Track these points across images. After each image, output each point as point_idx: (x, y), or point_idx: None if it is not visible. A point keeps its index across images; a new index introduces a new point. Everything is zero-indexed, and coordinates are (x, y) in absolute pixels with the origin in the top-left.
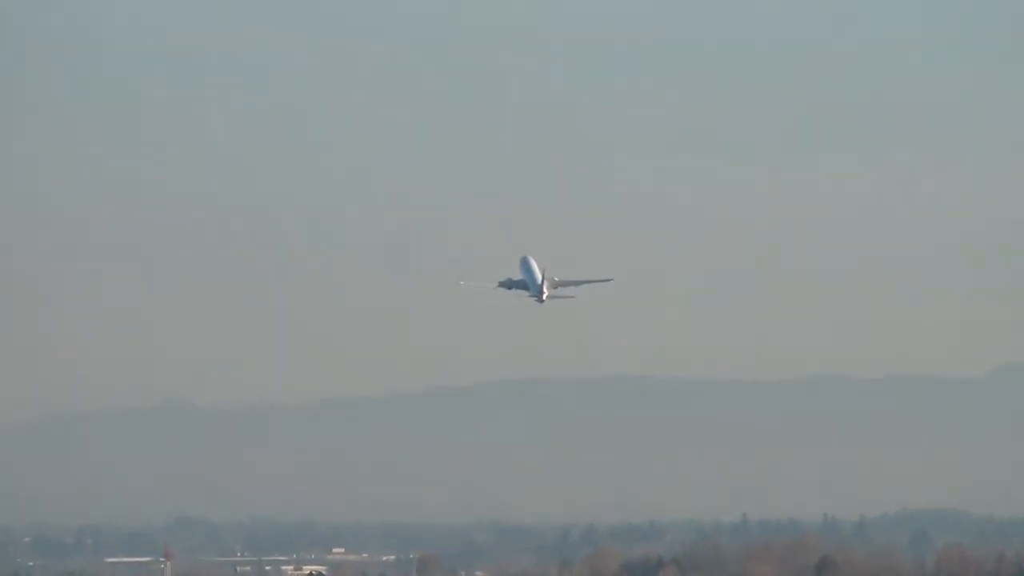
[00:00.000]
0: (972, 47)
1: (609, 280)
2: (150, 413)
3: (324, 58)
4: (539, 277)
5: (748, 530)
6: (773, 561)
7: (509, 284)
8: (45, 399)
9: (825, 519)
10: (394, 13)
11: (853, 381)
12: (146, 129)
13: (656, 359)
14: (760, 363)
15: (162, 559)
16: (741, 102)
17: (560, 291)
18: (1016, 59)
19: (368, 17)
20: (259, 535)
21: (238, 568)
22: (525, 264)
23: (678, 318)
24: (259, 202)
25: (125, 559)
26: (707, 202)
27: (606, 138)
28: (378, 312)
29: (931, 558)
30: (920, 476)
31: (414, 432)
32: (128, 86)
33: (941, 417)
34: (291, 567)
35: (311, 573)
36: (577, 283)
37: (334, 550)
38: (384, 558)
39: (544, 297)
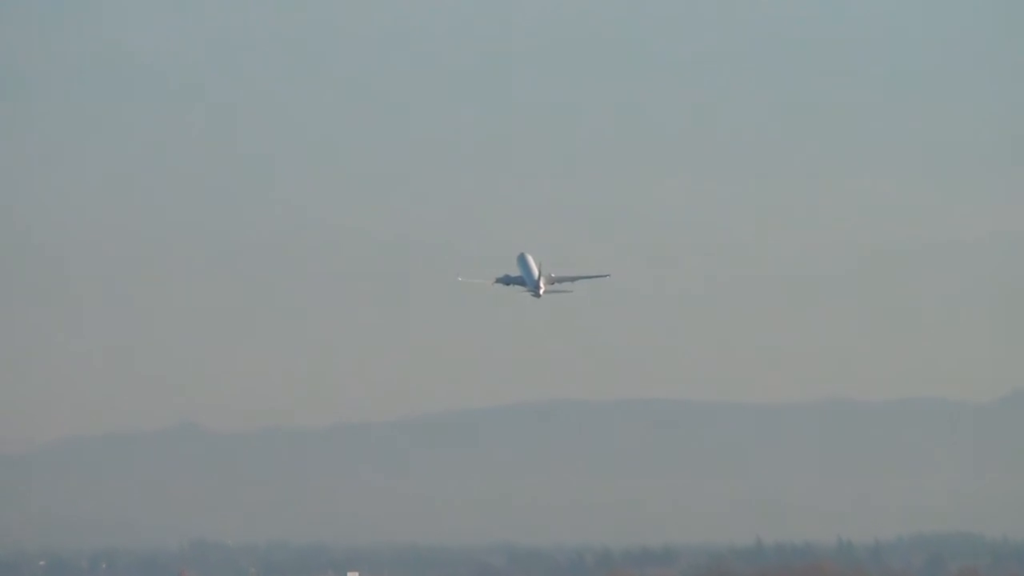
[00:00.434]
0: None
1: (606, 276)
2: (165, 437)
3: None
4: (536, 273)
5: (763, 554)
6: None
7: (507, 280)
8: (60, 423)
9: (840, 543)
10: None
11: (867, 405)
12: (167, 146)
13: (671, 382)
14: (774, 387)
15: None
16: (763, 125)
17: (556, 287)
18: None
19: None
20: (274, 558)
21: None
22: (522, 261)
23: (691, 342)
24: (268, 219)
25: None
26: (721, 223)
27: (619, 155)
28: (393, 335)
29: None
30: (935, 500)
31: (429, 455)
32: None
33: (955, 441)
34: None
35: None
36: (573, 279)
37: (349, 573)
38: None
39: (541, 292)
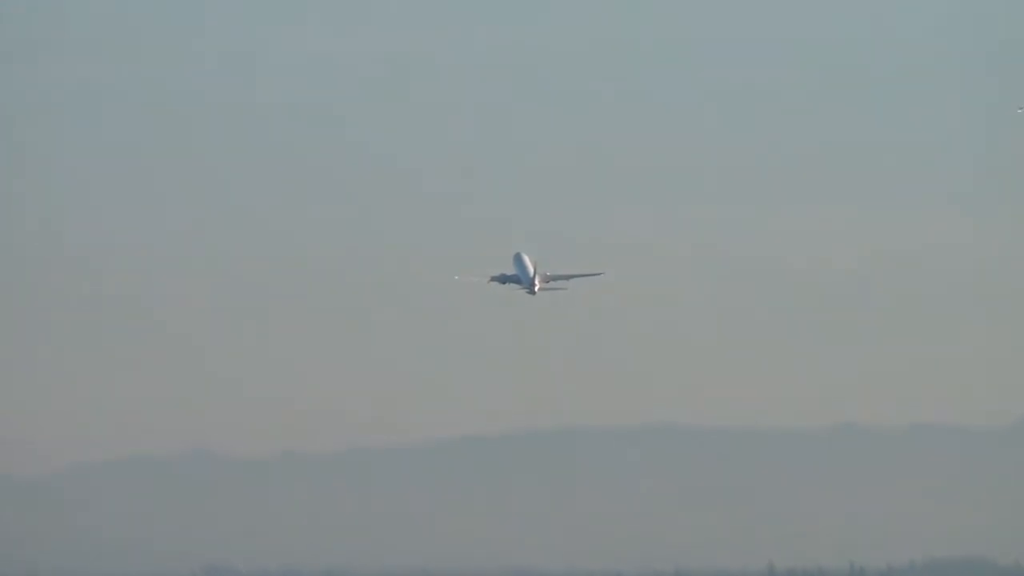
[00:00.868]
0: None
1: (600, 274)
2: (176, 462)
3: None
4: (531, 271)
5: None
6: None
7: (503, 279)
8: (71, 448)
9: (852, 568)
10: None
11: (878, 430)
12: (188, 160)
13: (681, 408)
14: (785, 412)
15: None
16: (768, 145)
17: (551, 284)
18: None
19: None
20: None
21: None
22: (518, 260)
23: (701, 367)
24: (272, 238)
25: None
26: (727, 245)
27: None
28: (404, 362)
29: None
30: (947, 525)
31: (441, 480)
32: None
33: (967, 466)
34: None
35: None
36: (568, 277)
37: None
38: None
39: (536, 289)
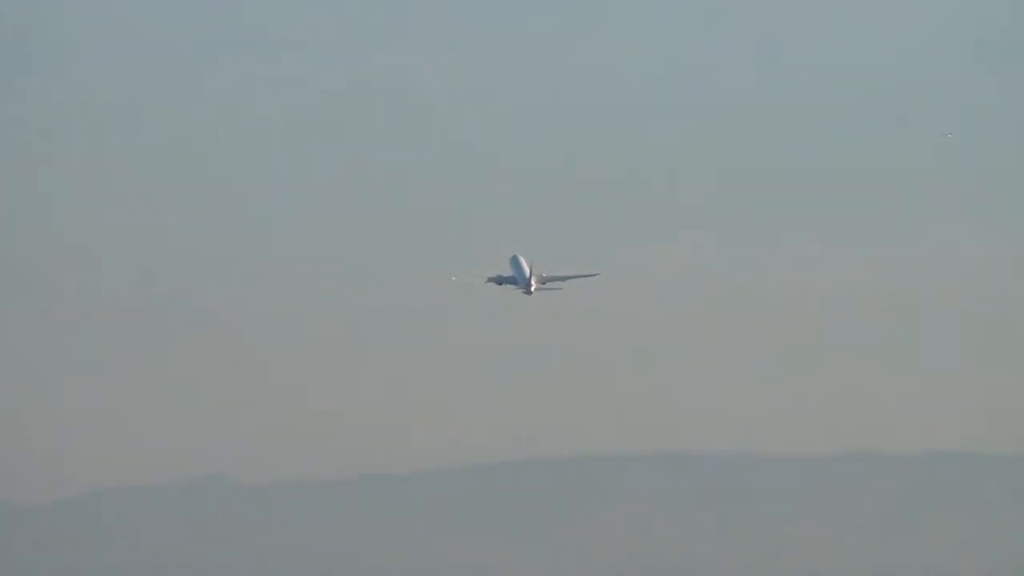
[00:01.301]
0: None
1: (596, 275)
2: (191, 489)
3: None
4: (527, 272)
5: None
6: None
7: (500, 280)
8: (88, 474)
9: None
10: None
11: (891, 457)
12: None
13: (692, 434)
14: (797, 438)
15: None
16: (777, 169)
17: (548, 285)
18: None
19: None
20: None
21: None
22: (515, 261)
23: (713, 393)
24: (275, 261)
25: None
26: (738, 271)
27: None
28: (414, 388)
29: None
30: (960, 552)
31: (453, 506)
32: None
33: (980, 494)
34: None
35: None
36: (564, 278)
37: None
38: None
39: (532, 290)
